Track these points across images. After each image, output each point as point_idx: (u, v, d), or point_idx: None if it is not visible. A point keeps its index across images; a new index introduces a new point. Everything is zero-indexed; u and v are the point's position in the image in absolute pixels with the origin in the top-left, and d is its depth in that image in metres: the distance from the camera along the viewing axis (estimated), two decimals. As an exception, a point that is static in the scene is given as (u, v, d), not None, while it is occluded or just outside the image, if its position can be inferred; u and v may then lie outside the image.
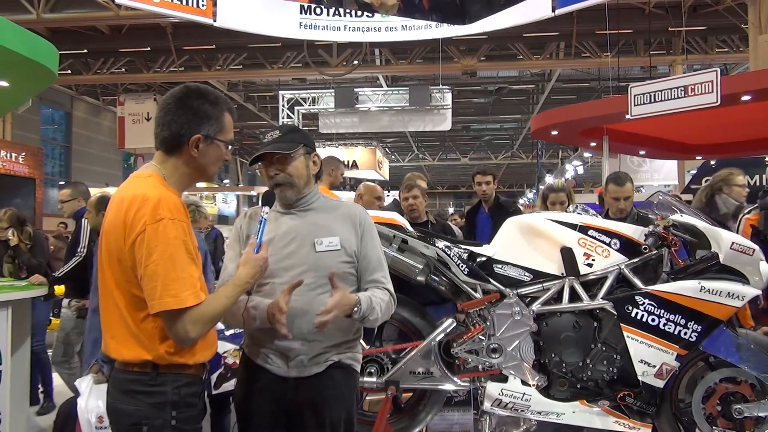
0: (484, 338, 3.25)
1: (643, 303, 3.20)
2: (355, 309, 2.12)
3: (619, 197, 4.25)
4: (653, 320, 3.19)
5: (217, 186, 24.69)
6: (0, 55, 5.41)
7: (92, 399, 2.89)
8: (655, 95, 8.38)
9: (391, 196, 7.46)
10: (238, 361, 3.44)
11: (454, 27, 10.65)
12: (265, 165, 2.28)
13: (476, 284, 3.32)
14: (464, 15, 9.64)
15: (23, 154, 9.75)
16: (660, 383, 3.19)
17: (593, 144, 12.08)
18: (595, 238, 3.37)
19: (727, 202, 4.26)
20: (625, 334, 3.20)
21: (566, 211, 4.01)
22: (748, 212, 3.96)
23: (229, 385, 3.47)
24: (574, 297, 3.28)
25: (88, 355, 3.17)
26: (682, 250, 3.41)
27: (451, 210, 32.54)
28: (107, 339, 1.88)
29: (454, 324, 3.32)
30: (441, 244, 3.34)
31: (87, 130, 20.89)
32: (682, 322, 3.17)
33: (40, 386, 5.46)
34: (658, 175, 16.27)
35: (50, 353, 5.40)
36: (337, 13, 11.35)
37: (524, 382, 3.22)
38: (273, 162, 2.24)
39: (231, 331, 3.56)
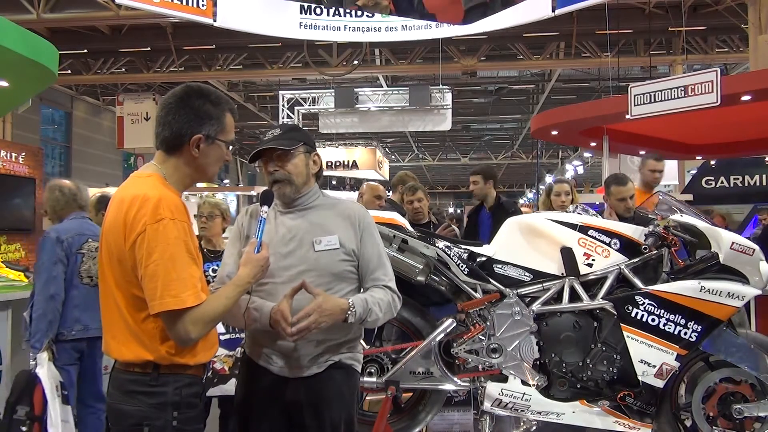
0: (484, 338, 3.25)
1: (643, 303, 3.20)
2: (349, 313, 2.10)
3: (625, 197, 4.26)
4: (653, 320, 3.19)
5: (217, 186, 24.63)
6: (0, 55, 5.41)
7: (50, 370, 3.28)
8: (655, 95, 8.37)
9: (391, 196, 7.45)
10: (227, 368, 3.47)
11: (454, 27, 10.64)
12: (264, 162, 2.26)
13: (476, 284, 3.32)
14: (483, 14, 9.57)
15: (23, 154, 9.72)
16: (660, 383, 3.19)
17: (593, 144, 12.07)
18: (595, 238, 3.37)
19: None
20: (625, 334, 3.20)
21: (566, 211, 4.02)
22: None
23: (216, 390, 3.46)
24: (574, 297, 3.29)
25: (42, 334, 3.42)
26: (682, 250, 3.41)
27: (450, 210, 32.54)
28: (107, 339, 1.87)
29: (454, 324, 3.32)
30: (441, 244, 3.34)
31: (87, 130, 20.87)
32: (682, 322, 3.17)
33: None
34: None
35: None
36: (337, 13, 11.34)
37: (524, 382, 3.22)
38: (273, 158, 2.24)
39: (227, 336, 3.54)
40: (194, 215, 3.95)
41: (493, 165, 29.83)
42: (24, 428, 3.12)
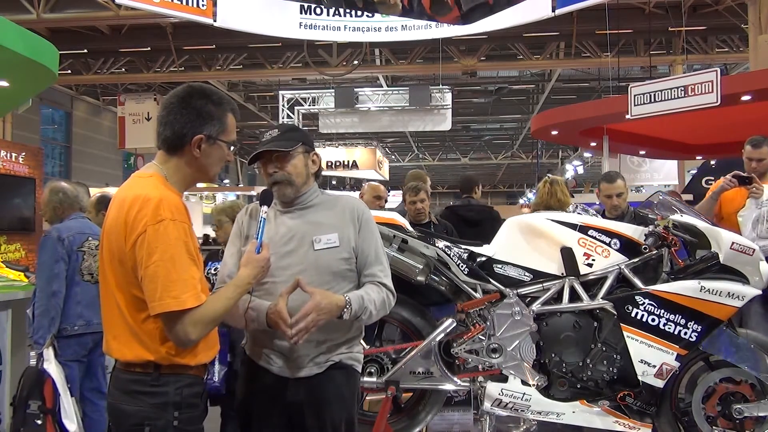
0: (484, 338, 3.25)
1: (643, 303, 3.20)
2: (345, 310, 2.10)
3: (611, 194, 4.28)
4: (653, 320, 3.19)
5: (217, 186, 24.67)
6: (0, 55, 5.41)
7: (57, 366, 3.46)
8: (655, 95, 8.39)
9: (392, 196, 7.47)
10: None
11: (454, 27, 10.63)
12: (263, 163, 2.26)
13: (476, 284, 3.32)
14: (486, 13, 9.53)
15: (23, 154, 9.71)
16: (660, 383, 3.19)
17: (593, 144, 12.10)
18: (595, 238, 3.37)
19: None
20: (625, 334, 3.20)
21: (566, 211, 4.02)
22: None
23: None
24: (574, 297, 3.29)
25: (45, 330, 3.53)
26: (682, 250, 3.41)
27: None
28: (109, 339, 1.87)
29: (454, 324, 3.32)
30: (441, 244, 3.34)
31: (87, 130, 20.89)
32: (682, 322, 3.17)
33: None
34: (658, 175, 16.28)
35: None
36: (337, 13, 11.34)
37: (524, 382, 3.22)
38: (272, 160, 2.23)
39: None
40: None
41: (492, 165, 29.80)
42: (38, 421, 3.25)
